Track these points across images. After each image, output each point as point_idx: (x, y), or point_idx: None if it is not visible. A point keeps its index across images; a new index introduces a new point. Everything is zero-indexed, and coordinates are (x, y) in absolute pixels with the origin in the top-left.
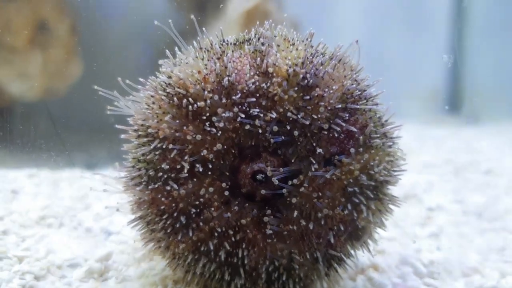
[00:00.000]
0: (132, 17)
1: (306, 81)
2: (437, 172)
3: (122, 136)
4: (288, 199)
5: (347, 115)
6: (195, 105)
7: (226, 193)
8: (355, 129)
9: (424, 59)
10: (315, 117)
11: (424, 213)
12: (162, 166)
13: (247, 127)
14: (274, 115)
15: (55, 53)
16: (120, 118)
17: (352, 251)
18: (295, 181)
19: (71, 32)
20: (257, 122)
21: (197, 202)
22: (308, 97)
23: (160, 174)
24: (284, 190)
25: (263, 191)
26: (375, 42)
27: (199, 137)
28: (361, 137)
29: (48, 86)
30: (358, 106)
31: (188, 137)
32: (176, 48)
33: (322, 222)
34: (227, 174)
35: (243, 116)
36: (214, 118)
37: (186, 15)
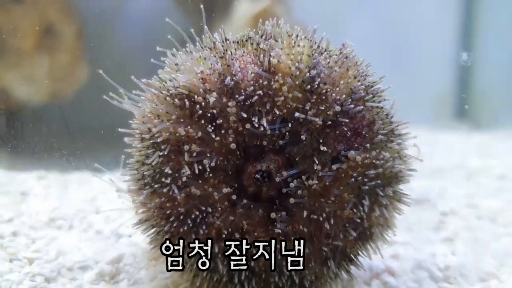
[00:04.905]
0: (139, 21)
1: (311, 78)
2: (449, 177)
3: (126, 139)
4: (295, 199)
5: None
6: (198, 106)
7: (232, 195)
8: (364, 122)
9: (431, 64)
10: (321, 114)
11: (438, 217)
12: (166, 168)
13: (251, 124)
14: (278, 113)
15: (62, 57)
16: (126, 120)
17: (363, 252)
18: (306, 180)
19: (78, 36)
20: (261, 121)
21: (203, 205)
22: (313, 94)
23: (165, 177)
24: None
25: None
26: (383, 46)
27: (203, 138)
28: (368, 134)
29: (55, 90)
30: (370, 104)
31: (192, 139)
32: (175, 49)
33: (331, 222)
34: (232, 175)
35: (246, 115)
36: (218, 119)
37: (193, 20)
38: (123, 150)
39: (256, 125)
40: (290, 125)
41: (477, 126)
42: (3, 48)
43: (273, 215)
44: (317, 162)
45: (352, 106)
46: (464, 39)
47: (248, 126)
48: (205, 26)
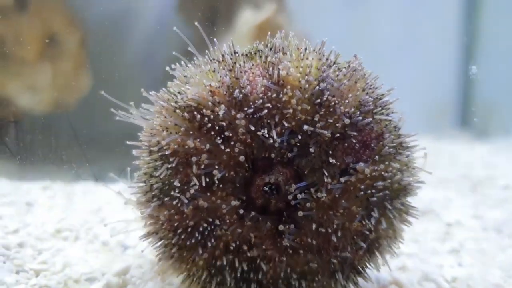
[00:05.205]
0: (141, 31)
1: (320, 91)
2: (454, 188)
3: (134, 152)
4: (304, 211)
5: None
6: (207, 118)
7: (240, 207)
8: (372, 137)
9: (433, 73)
10: (330, 127)
11: (443, 228)
12: (175, 181)
13: (260, 136)
14: (287, 126)
15: (65, 66)
16: (129, 131)
17: (371, 264)
18: (315, 192)
19: (81, 45)
20: (270, 133)
21: (211, 217)
22: (322, 107)
23: (173, 189)
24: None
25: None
26: (383, 55)
27: (211, 150)
28: (376, 146)
29: (58, 99)
30: (378, 117)
31: (201, 151)
32: (183, 61)
33: (340, 234)
34: (241, 187)
35: (254, 128)
36: (226, 131)
37: (195, 30)
38: (128, 160)
39: (266, 136)
40: (299, 137)
41: (480, 136)
42: (6, 57)
43: (281, 227)
44: (326, 174)
45: (360, 118)
46: (467, 45)
47: (259, 133)
48: (215, 39)
